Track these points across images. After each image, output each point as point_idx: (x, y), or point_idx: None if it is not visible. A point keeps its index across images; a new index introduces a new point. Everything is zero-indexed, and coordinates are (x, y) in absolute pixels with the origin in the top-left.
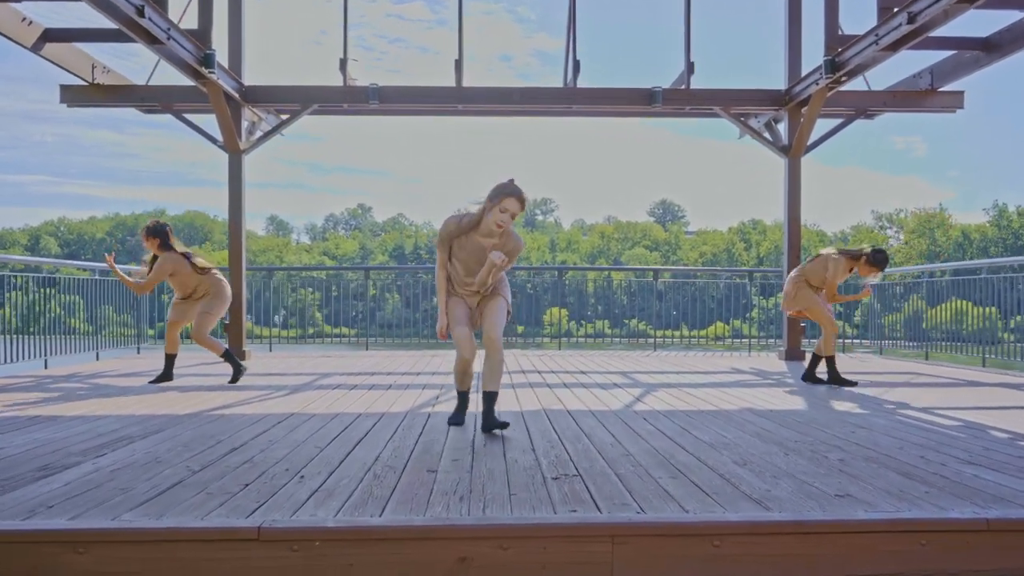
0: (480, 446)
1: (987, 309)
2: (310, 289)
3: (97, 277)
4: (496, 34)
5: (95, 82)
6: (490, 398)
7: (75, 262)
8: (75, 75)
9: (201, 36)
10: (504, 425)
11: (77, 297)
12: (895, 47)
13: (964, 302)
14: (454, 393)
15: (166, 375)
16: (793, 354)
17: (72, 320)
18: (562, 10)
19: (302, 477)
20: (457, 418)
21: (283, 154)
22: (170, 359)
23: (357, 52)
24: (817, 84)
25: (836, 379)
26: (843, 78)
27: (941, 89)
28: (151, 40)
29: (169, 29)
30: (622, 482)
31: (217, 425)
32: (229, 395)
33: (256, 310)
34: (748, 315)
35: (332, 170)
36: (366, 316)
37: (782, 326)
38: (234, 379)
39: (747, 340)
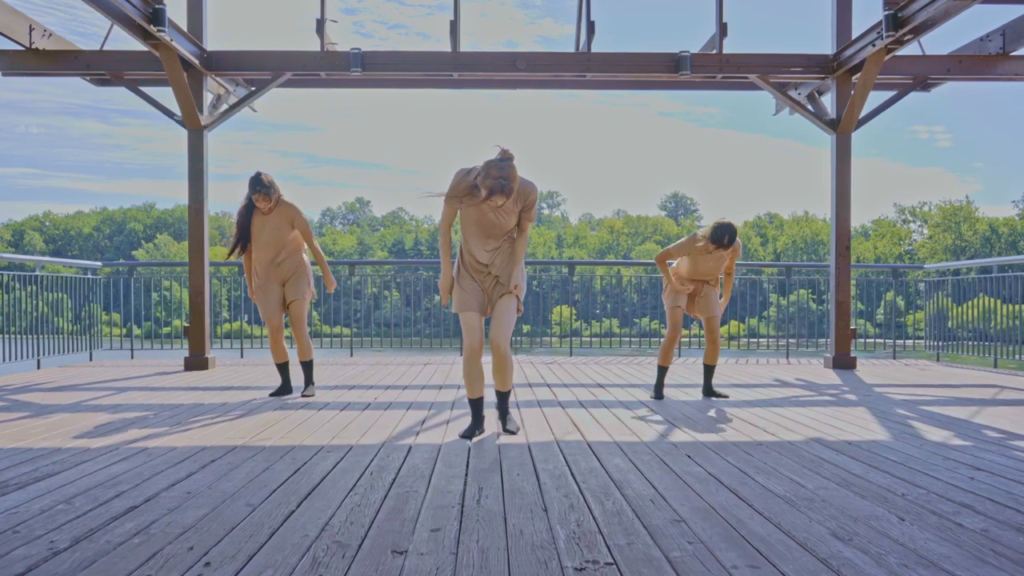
0: (472, 502)
1: None
2: None
3: (44, 273)
4: (500, 19)
5: (33, 46)
6: (503, 397)
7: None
8: (10, 39)
9: None
10: (515, 431)
11: (63, 295)
12: None
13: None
14: (445, 416)
15: (285, 387)
16: (842, 361)
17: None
18: None
19: (207, 564)
20: (470, 431)
21: (278, 145)
22: (283, 368)
23: (355, 40)
24: (874, 45)
25: (657, 389)
26: (907, 37)
27: (1014, 53)
28: None
29: None
30: (679, 575)
31: (129, 464)
32: (165, 421)
33: (251, 308)
34: (764, 313)
35: (328, 162)
36: (355, 316)
37: (829, 327)
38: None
39: (763, 340)
